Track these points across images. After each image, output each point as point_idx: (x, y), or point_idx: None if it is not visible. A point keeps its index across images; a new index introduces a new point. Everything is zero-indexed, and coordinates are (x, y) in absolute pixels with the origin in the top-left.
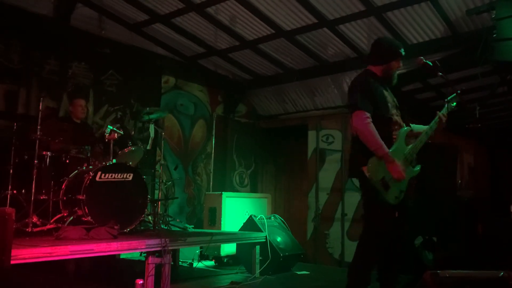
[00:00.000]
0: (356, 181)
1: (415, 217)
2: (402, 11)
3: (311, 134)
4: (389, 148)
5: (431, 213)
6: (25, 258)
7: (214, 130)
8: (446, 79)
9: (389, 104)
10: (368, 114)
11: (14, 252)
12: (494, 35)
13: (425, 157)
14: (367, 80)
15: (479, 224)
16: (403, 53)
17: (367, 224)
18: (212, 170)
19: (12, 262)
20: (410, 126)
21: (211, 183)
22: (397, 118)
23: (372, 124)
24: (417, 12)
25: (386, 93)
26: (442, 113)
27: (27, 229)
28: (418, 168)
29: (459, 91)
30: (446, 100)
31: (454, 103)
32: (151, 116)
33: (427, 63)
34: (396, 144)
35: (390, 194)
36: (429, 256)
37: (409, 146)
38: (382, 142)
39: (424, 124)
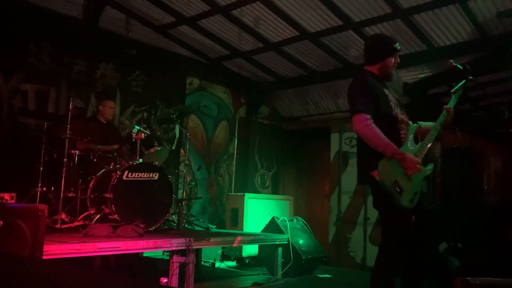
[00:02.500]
0: None
1: (441, 222)
2: (430, 14)
3: (334, 137)
4: (398, 147)
5: (457, 218)
6: (55, 254)
7: (236, 131)
8: (476, 83)
9: (392, 103)
10: (368, 116)
11: (45, 247)
12: None
13: (451, 161)
14: (365, 80)
15: (507, 230)
16: (399, 48)
17: (385, 231)
18: (234, 171)
19: (44, 257)
20: (418, 123)
21: (233, 184)
22: (402, 116)
23: (374, 125)
24: (445, 14)
25: (387, 91)
26: (449, 106)
27: (56, 226)
28: (430, 167)
29: (471, 77)
30: (452, 91)
31: (461, 92)
32: (182, 109)
33: (457, 66)
34: (405, 143)
35: (404, 197)
36: (455, 262)
37: (419, 144)
38: (389, 140)
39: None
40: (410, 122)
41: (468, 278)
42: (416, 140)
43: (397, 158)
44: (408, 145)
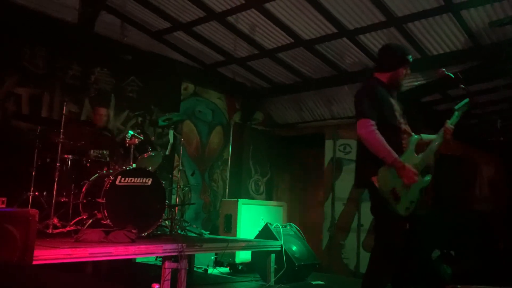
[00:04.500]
0: None
1: (433, 230)
2: (423, 22)
3: (328, 143)
4: (399, 156)
5: (449, 226)
6: (46, 259)
7: (231, 137)
8: (467, 91)
9: (397, 113)
10: (373, 122)
11: (36, 252)
12: None
13: (444, 169)
14: (374, 88)
15: (499, 238)
16: (411, 60)
17: (378, 237)
18: (228, 177)
19: (34, 262)
20: (420, 135)
21: (227, 189)
22: (405, 126)
23: (378, 132)
24: (438, 23)
25: (393, 101)
26: (450, 123)
27: (48, 231)
28: (428, 178)
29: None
30: (455, 108)
31: (465, 109)
32: (174, 117)
33: (448, 75)
34: (406, 152)
35: (400, 205)
36: (448, 270)
37: (420, 155)
38: (391, 149)
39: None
40: (413, 134)
41: (458, 286)
42: (415, 152)
43: (396, 167)
44: (409, 155)
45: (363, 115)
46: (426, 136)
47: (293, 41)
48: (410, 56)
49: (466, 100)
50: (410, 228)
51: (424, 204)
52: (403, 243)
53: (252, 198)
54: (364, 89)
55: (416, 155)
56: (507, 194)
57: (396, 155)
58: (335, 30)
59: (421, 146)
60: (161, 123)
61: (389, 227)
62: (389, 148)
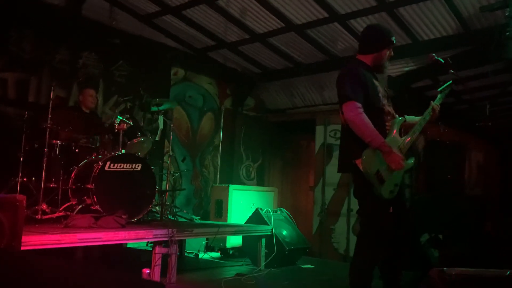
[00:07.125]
0: None
1: (422, 214)
2: (414, 7)
3: (319, 129)
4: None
5: (438, 210)
6: (34, 245)
7: (222, 122)
8: (457, 77)
9: (380, 95)
10: (359, 105)
11: (24, 238)
12: (507, 33)
13: (434, 155)
14: (357, 70)
15: (487, 222)
16: (395, 41)
17: (363, 221)
18: (219, 163)
19: (22, 248)
20: (404, 117)
21: (218, 175)
22: (389, 108)
23: (364, 115)
24: (429, 8)
25: (376, 83)
26: (436, 103)
27: (37, 216)
28: (411, 161)
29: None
30: (439, 90)
31: (447, 91)
32: (161, 108)
33: (438, 60)
34: (390, 135)
35: (385, 188)
36: (435, 253)
37: (403, 138)
38: (377, 132)
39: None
40: (396, 116)
41: (444, 268)
42: (399, 134)
43: (382, 151)
44: (393, 138)
45: (348, 98)
46: (410, 118)
47: (284, 25)
48: (393, 37)
49: (449, 82)
50: (396, 212)
51: (416, 189)
52: (388, 226)
53: (243, 184)
54: (347, 72)
55: (400, 137)
56: (495, 178)
57: (383, 139)
58: (326, 15)
59: (405, 128)
60: (154, 108)
61: (373, 211)
62: (376, 131)
